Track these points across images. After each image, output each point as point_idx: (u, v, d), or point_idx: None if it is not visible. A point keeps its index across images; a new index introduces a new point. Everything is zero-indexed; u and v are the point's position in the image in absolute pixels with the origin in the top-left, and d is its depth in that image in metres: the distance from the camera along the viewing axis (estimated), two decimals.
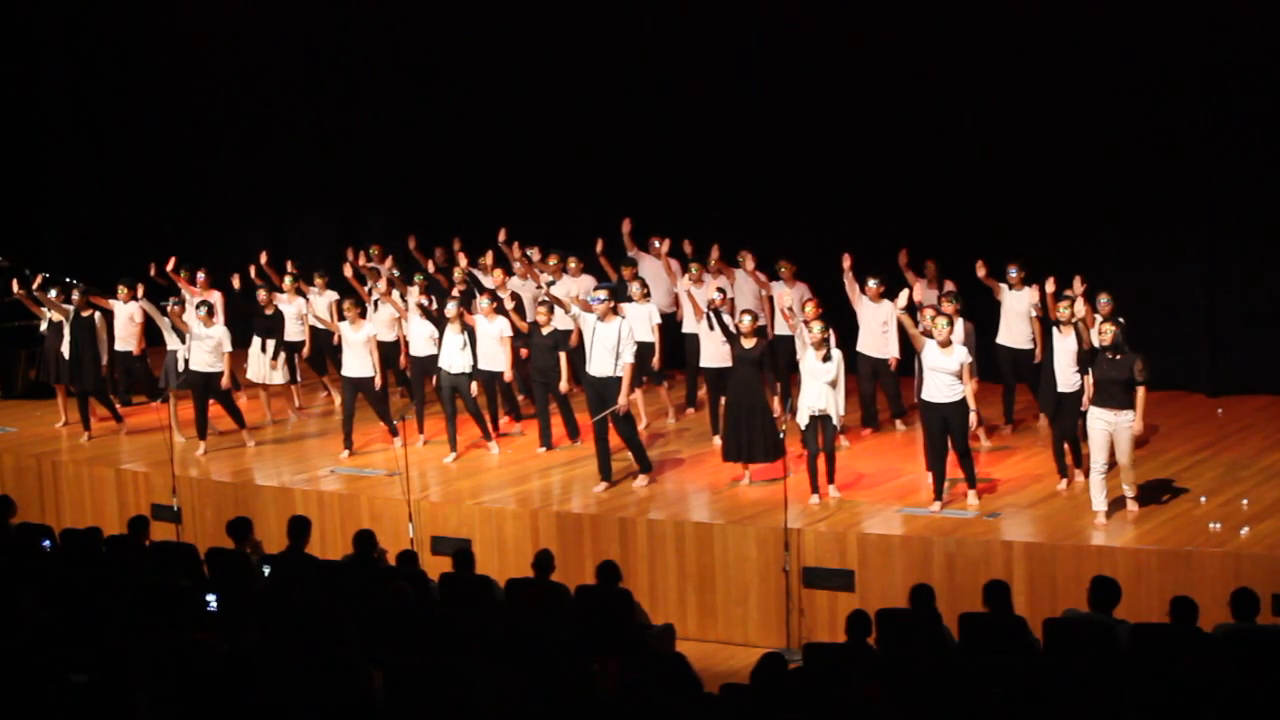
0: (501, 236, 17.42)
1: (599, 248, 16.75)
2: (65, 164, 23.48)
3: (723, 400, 14.90)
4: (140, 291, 16.94)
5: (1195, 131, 16.52)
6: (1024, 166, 17.15)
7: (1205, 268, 16.77)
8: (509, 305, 15.69)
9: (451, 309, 15.01)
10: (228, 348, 15.61)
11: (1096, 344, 12.35)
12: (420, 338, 15.55)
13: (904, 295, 13.36)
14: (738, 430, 13.54)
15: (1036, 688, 8.61)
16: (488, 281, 16.43)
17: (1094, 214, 16.96)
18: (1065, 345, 12.93)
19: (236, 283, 17.18)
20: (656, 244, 16.62)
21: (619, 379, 13.65)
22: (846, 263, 14.81)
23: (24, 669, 8.48)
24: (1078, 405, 12.79)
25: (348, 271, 17.10)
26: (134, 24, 22.70)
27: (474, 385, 15.15)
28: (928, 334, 12.91)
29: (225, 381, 15.62)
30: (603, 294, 13.96)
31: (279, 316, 16.82)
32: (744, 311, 14.05)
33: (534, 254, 17.18)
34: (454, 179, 20.41)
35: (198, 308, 15.76)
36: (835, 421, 13.16)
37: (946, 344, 12.70)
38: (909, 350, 13.92)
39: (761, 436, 13.43)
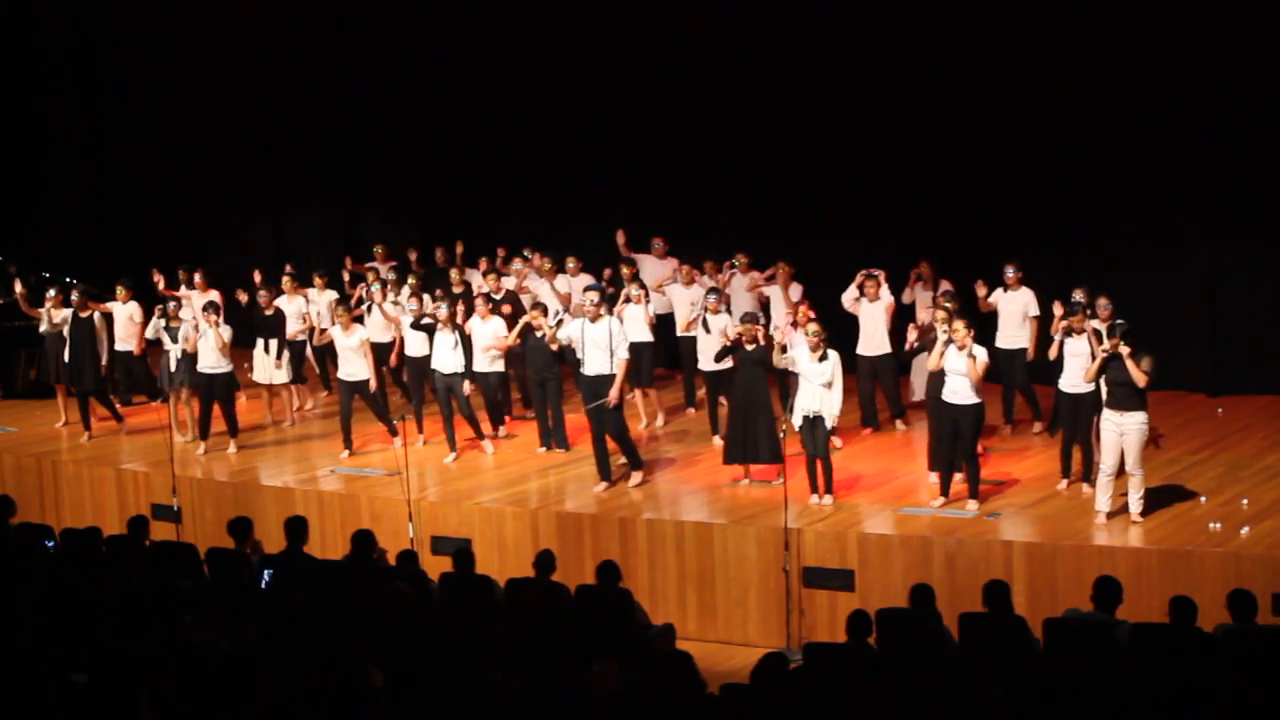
0: (500, 255, 17.47)
1: (622, 239, 16.71)
2: (66, 164, 23.47)
3: (723, 402, 14.94)
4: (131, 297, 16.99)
5: (1196, 132, 16.51)
6: (1024, 168, 17.13)
7: (1205, 268, 16.77)
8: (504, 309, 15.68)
9: (443, 311, 15.02)
10: (226, 338, 15.61)
11: (1106, 348, 12.31)
12: (416, 339, 15.54)
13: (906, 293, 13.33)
14: (743, 432, 13.51)
15: (1036, 688, 8.61)
16: (482, 283, 16.45)
17: (1094, 215, 16.95)
18: (1076, 348, 12.92)
19: (244, 297, 17.12)
20: (659, 243, 16.68)
21: (614, 375, 13.68)
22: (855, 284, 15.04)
23: (24, 669, 8.49)
24: (1091, 409, 12.75)
25: (346, 277, 17.12)
26: (134, 25, 22.70)
27: (467, 385, 15.06)
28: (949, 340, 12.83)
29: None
30: (594, 295, 14.00)
31: (280, 316, 16.81)
32: (744, 315, 14.03)
33: (534, 257, 17.10)
34: (453, 179, 20.40)
35: (204, 309, 15.76)
36: (829, 422, 13.12)
37: (964, 347, 12.66)
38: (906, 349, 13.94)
39: (767, 437, 13.41)
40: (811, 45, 18.23)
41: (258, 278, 17.41)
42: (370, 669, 8.44)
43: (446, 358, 15.00)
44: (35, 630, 9.50)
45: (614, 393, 13.67)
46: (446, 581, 11.23)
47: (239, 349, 16.17)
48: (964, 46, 17.36)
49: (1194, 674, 8.64)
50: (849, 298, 15.19)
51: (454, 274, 16.74)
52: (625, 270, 16.44)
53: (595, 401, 13.74)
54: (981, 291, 14.97)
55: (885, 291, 15.21)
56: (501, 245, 17.67)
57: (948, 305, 13.63)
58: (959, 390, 12.72)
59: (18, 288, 17.52)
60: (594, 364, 13.81)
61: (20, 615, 9.78)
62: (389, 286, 16.71)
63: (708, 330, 15.05)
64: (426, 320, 15.20)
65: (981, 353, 12.73)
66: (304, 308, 17.10)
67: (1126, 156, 16.79)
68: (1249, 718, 8.17)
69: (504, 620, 10.27)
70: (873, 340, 15.24)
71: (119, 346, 17.11)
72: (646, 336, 15.61)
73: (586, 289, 14.57)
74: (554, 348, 14.65)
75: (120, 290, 17.18)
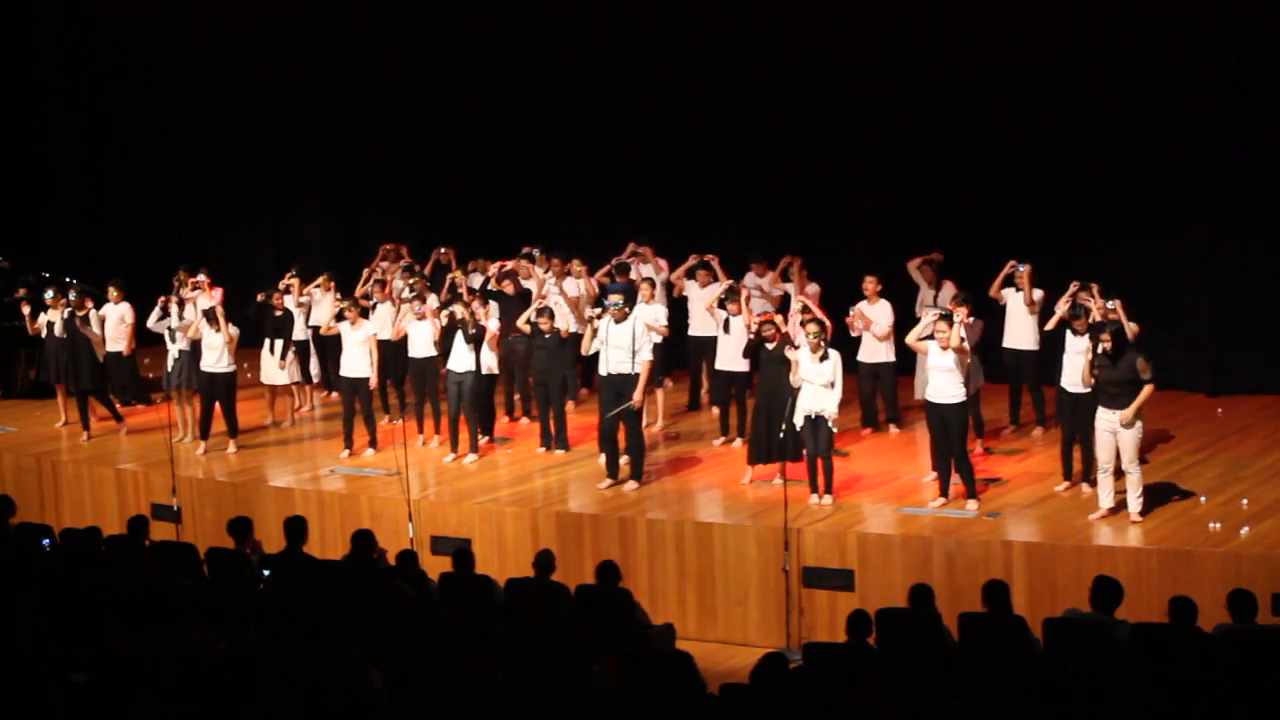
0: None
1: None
2: (67, 165, 23.43)
3: (749, 403, 14.95)
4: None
5: (1196, 132, 16.52)
6: (1026, 169, 17.14)
7: (1205, 268, 16.77)
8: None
9: (460, 310, 14.98)
10: (229, 337, 15.61)
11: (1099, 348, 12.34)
12: (420, 339, 15.51)
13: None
14: (770, 431, 13.42)
15: (1036, 688, 8.61)
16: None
17: (1095, 215, 16.96)
18: (1078, 346, 12.95)
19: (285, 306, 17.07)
20: (634, 247, 16.73)
21: (637, 375, 13.72)
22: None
23: (24, 669, 8.49)
24: (1091, 408, 12.77)
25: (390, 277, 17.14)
26: (137, 26, 22.67)
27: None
28: (930, 337, 12.92)
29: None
30: (618, 298, 14.01)
31: (288, 317, 16.80)
32: (762, 318, 14.01)
33: (555, 262, 16.99)
34: (454, 181, 20.38)
35: (209, 319, 15.75)
36: (831, 424, 13.12)
37: (948, 346, 12.70)
38: (909, 350, 13.92)
39: (793, 435, 13.34)
40: (816, 47, 18.21)
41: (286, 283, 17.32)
42: (370, 669, 8.44)
43: (461, 357, 14.96)
44: (35, 630, 9.49)
45: (637, 395, 13.72)
46: (446, 581, 11.23)
47: (244, 349, 16.16)
48: (967, 48, 17.36)
49: (1194, 674, 8.64)
50: (856, 324, 15.21)
51: (457, 275, 16.73)
52: (622, 276, 16.43)
53: (615, 400, 13.75)
54: (996, 286, 14.98)
55: (885, 308, 15.19)
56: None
57: (953, 314, 13.66)
58: (942, 389, 12.76)
59: (25, 310, 17.45)
60: (615, 363, 13.84)
61: (20, 615, 9.77)
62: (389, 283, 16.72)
63: (728, 331, 15.04)
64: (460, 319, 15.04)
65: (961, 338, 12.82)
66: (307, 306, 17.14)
67: (1127, 156, 16.79)
68: (1249, 718, 8.17)
69: (504, 620, 10.27)
70: (870, 347, 15.26)
71: (110, 347, 17.12)
72: (656, 337, 15.59)
73: (610, 290, 14.56)
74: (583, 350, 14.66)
75: (112, 291, 17.20)
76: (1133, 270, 16.25)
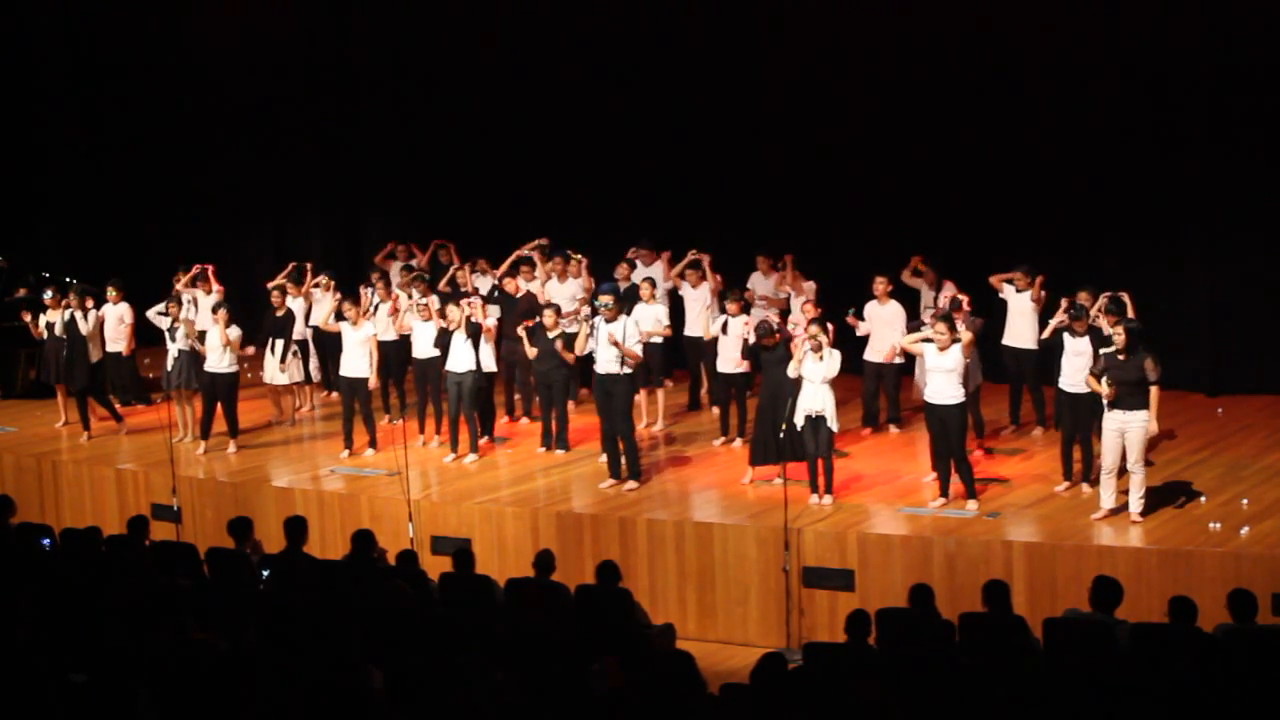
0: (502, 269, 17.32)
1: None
2: (66, 165, 23.42)
3: (750, 403, 14.93)
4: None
5: (1196, 132, 16.52)
6: (1026, 168, 17.14)
7: (1205, 268, 16.77)
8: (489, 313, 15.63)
9: (454, 312, 14.95)
10: (234, 338, 15.61)
11: (1111, 346, 12.35)
12: (424, 340, 15.51)
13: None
14: (774, 431, 13.38)
15: (1036, 688, 8.61)
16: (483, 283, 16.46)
17: (1095, 215, 16.96)
18: (1077, 347, 12.96)
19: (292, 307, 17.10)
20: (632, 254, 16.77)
21: (626, 375, 13.77)
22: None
23: (24, 669, 8.48)
24: (1090, 408, 12.76)
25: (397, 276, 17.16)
26: (135, 25, 22.66)
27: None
28: (927, 339, 12.92)
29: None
30: (608, 298, 14.02)
31: (290, 317, 16.79)
32: (760, 325, 13.98)
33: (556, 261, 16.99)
34: (454, 180, 20.38)
35: (213, 310, 15.76)
36: (831, 424, 13.11)
37: (946, 347, 12.71)
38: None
39: (792, 434, 13.32)
40: (813, 45, 18.22)
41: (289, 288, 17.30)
42: (370, 669, 8.44)
43: (461, 357, 14.95)
44: (35, 630, 9.49)
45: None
46: (446, 581, 11.24)
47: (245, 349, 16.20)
48: (966, 47, 17.36)
49: (1194, 674, 8.64)
50: (861, 324, 15.22)
51: (460, 275, 16.71)
52: (623, 268, 16.45)
53: (607, 401, 13.76)
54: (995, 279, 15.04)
55: (896, 308, 15.19)
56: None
57: (951, 316, 13.66)
58: (941, 390, 12.77)
59: (26, 317, 17.45)
60: (605, 363, 13.86)
61: (20, 614, 9.77)
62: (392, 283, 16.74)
63: (725, 332, 15.04)
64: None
65: (965, 335, 12.84)
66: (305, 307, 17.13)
67: (1127, 156, 16.79)
68: (1249, 718, 8.17)
69: (504, 620, 10.27)
70: (876, 346, 15.24)
71: (109, 347, 17.12)
72: (656, 338, 15.59)
73: (601, 289, 14.57)
74: (570, 357, 14.68)
75: (111, 291, 17.20)
76: (1132, 270, 16.23)
